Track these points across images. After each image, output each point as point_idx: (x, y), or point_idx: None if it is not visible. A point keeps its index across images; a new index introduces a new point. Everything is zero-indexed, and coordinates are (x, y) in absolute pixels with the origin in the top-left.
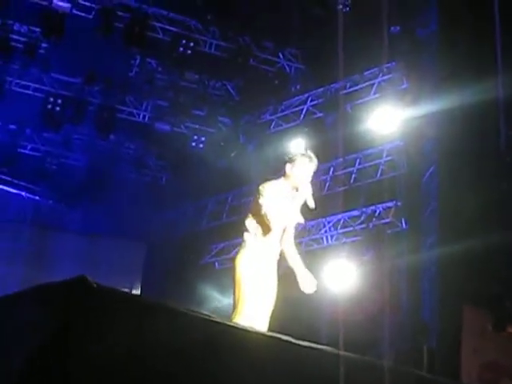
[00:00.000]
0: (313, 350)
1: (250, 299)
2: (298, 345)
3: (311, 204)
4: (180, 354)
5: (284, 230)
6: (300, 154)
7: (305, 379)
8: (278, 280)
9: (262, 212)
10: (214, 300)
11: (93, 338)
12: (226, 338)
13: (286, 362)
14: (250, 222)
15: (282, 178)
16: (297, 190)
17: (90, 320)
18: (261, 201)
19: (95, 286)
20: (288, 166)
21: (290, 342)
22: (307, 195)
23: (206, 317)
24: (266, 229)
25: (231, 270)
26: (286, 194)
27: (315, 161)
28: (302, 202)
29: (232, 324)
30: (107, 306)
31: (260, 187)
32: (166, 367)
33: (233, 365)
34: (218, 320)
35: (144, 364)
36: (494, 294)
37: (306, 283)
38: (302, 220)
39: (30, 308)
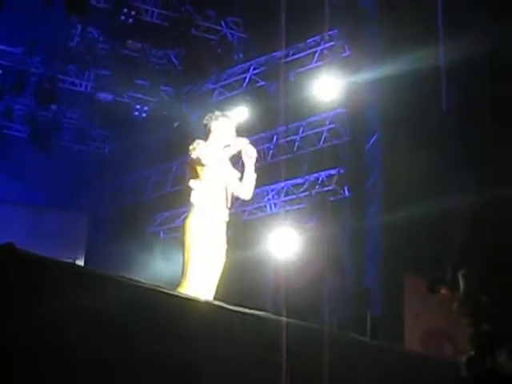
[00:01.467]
0: (250, 317)
1: (198, 264)
2: (232, 310)
3: (251, 153)
4: (104, 318)
5: (227, 191)
6: (219, 114)
7: (242, 346)
8: (227, 244)
9: (201, 163)
10: (158, 267)
11: (19, 304)
12: (158, 304)
13: (220, 328)
14: (193, 181)
15: (210, 139)
16: (226, 147)
17: (16, 287)
18: (196, 153)
19: (21, 253)
20: (213, 126)
21: (223, 308)
22: (242, 146)
23: (135, 282)
24: (210, 179)
25: (179, 236)
26: (218, 152)
27: (233, 119)
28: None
29: (164, 290)
30: (33, 273)
31: (191, 146)
32: (90, 332)
33: (164, 331)
34: (149, 286)
35: (68, 328)
36: (433, 258)
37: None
38: (238, 174)
39: None
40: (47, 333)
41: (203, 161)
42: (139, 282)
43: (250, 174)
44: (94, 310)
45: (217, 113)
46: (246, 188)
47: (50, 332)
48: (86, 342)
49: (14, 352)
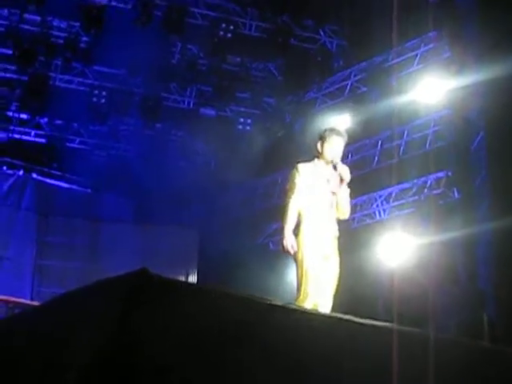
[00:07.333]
0: (365, 327)
1: (313, 278)
2: (349, 321)
3: (346, 177)
4: (226, 333)
5: (332, 206)
6: (329, 131)
7: (359, 356)
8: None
9: (299, 192)
10: (268, 278)
11: (156, 326)
12: (272, 318)
13: (335, 339)
14: (299, 199)
15: (316, 158)
16: (333, 165)
17: (152, 310)
18: (296, 180)
19: (155, 277)
20: (319, 144)
21: (338, 318)
22: (342, 169)
23: (251, 298)
24: (316, 197)
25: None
26: (323, 172)
27: (345, 135)
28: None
29: (280, 304)
30: (166, 296)
31: (295, 168)
32: (216, 346)
33: (280, 344)
34: (266, 301)
35: (198, 346)
36: None
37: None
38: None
39: (94, 302)
40: (178, 344)
41: (301, 189)
42: (258, 297)
43: (343, 194)
44: (221, 328)
45: (326, 132)
46: (341, 208)
47: (180, 343)
48: (207, 350)
49: (154, 371)
